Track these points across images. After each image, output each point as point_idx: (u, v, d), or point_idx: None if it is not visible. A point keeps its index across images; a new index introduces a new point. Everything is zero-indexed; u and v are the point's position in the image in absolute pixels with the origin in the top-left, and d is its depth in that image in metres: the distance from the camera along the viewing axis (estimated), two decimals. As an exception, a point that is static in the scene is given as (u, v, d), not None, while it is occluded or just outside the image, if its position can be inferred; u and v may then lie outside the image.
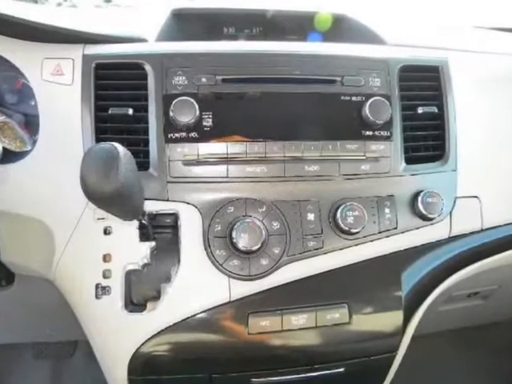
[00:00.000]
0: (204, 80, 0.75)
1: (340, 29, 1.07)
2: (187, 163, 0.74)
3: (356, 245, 0.77)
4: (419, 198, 0.78)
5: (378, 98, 0.77)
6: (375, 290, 0.79)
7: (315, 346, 0.76)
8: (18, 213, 0.73)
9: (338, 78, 0.79)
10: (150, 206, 0.72)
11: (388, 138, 0.79)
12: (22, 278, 0.90)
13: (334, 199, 0.77)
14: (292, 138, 0.76)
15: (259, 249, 0.71)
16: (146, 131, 0.75)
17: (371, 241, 0.77)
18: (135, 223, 0.72)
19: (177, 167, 0.74)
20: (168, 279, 0.73)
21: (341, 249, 0.76)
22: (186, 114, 0.72)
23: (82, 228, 0.72)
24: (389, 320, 0.79)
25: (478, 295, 1.20)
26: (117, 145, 0.55)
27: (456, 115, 0.84)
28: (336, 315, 0.75)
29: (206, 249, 0.72)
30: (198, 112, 0.72)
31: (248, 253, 0.71)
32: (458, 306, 1.20)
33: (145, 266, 0.73)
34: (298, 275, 0.75)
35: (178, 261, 0.73)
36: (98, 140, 0.73)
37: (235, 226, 0.71)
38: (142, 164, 0.73)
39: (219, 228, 0.72)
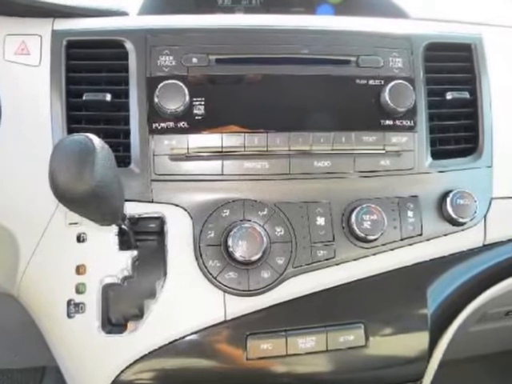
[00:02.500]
0: (195, 60, 0.75)
1: (354, 0, 1.07)
2: (175, 158, 0.74)
3: (373, 254, 0.77)
4: (448, 200, 0.78)
5: (400, 81, 0.77)
6: (396, 308, 0.78)
7: (325, 373, 0.76)
8: (-24, 217, 0.73)
9: (353, 58, 0.79)
10: (132, 209, 0.72)
11: (411, 129, 0.79)
12: (-20, 293, 0.90)
13: (347, 200, 0.77)
14: (298, 128, 0.76)
15: (260, 259, 0.71)
16: (126, 120, 0.75)
17: (391, 249, 0.77)
18: (114, 229, 0.72)
19: (163, 163, 0.74)
20: (152, 295, 0.73)
21: (355, 259, 0.76)
22: (173, 101, 0.72)
23: (52, 234, 0.72)
24: (412, 343, 0.78)
25: (517, 313, 1.20)
26: (92, 136, 0.55)
27: (491, 102, 0.84)
28: (350, 337, 0.74)
29: (197, 259, 0.72)
30: (187, 98, 0.72)
31: (247, 264, 0.71)
32: (493, 326, 1.20)
33: (125, 279, 0.73)
34: (305, 290, 0.75)
35: (164, 273, 0.72)
36: (71, 131, 0.73)
37: (232, 233, 0.71)
38: (122, 159, 0.74)
39: (213, 234, 0.72)
